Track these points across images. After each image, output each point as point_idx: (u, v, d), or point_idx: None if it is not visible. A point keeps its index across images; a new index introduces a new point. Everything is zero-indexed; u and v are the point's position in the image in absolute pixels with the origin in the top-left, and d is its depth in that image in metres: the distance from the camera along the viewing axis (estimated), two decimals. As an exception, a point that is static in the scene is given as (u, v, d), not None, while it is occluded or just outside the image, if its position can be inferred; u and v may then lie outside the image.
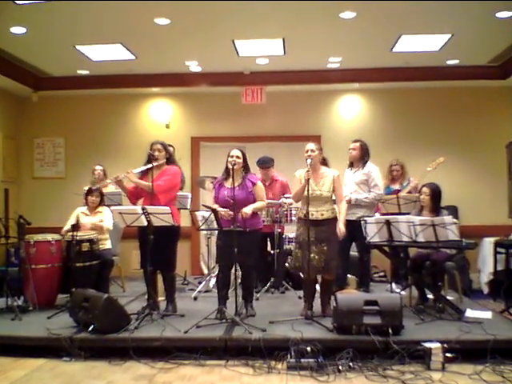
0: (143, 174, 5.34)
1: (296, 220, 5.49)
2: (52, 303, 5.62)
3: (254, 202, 5.06)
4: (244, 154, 5.12)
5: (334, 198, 5.12)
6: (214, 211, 4.89)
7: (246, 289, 5.23)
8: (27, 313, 5.31)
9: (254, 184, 5.10)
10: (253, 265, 5.14)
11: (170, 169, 5.36)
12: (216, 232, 5.30)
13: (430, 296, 5.50)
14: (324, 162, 5.52)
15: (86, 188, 6.58)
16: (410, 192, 6.25)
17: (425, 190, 5.47)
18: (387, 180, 6.58)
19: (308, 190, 4.87)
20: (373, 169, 5.98)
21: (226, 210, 4.92)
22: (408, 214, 5.54)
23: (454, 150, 7.71)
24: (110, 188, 6.93)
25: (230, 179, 4.99)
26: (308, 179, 4.87)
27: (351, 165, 6.13)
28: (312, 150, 5.01)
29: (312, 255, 4.90)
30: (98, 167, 7.06)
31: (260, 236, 5.29)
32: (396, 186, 6.49)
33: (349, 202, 5.78)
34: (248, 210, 4.93)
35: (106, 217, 6.06)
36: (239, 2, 5.28)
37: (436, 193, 5.43)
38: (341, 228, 5.00)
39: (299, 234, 5.13)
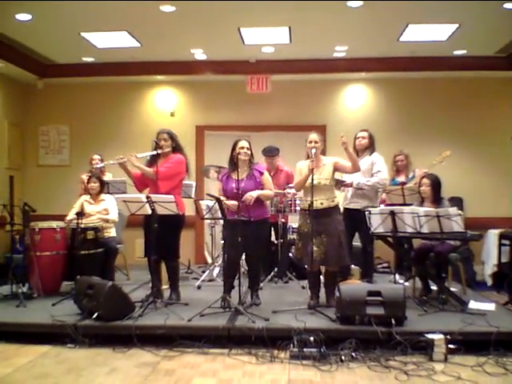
0: (151, 164, 5.32)
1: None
2: (56, 290, 5.65)
3: None
4: (250, 144, 5.13)
5: (333, 184, 5.14)
6: (219, 201, 4.88)
7: (252, 278, 5.21)
8: (32, 300, 5.35)
9: (261, 174, 5.14)
10: (260, 255, 5.13)
11: (173, 156, 5.33)
12: (221, 222, 5.29)
13: (434, 287, 5.50)
14: (323, 153, 5.54)
15: (84, 176, 6.58)
16: (416, 184, 6.19)
17: (425, 181, 5.49)
18: (392, 172, 6.52)
19: (312, 180, 4.88)
20: (377, 157, 5.97)
21: (233, 202, 4.91)
22: (412, 205, 5.52)
23: (460, 142, 7.69)
24: (108, 176, 6.93)
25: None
26: (312, 169, 4.88)
27: (356, 154, 6.10)
28: (316, 141, 5.06)
29: (312, 247, 4.91)
30: (97, 156, 7.03)
31: (268, 226, 5.26)
32: (401, 179, 6.42)
33: (351, 185, 5.78)
34: (254, 193, 4.94)
35: (110, 207, 6.05)
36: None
37: (436, 183, 5.44)
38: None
39: (299, 226, 5.20)
